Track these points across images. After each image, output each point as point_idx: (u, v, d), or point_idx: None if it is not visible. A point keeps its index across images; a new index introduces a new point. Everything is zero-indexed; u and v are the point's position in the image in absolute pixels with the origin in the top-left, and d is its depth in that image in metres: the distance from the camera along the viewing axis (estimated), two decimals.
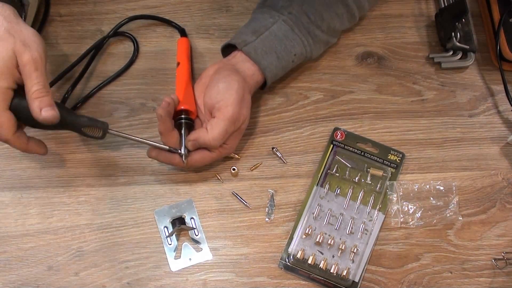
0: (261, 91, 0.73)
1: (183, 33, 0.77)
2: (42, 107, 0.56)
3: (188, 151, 0.65)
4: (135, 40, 0.77)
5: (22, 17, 0.62)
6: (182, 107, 0.65)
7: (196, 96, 0.68)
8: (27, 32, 0.58)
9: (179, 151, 0.64)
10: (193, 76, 0.74)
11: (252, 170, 0.70)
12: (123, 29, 0.77)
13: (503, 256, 0.65)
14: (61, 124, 0.60)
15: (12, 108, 0.57)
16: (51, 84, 0.73)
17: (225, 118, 0.62)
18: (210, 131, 0.63)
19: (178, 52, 0.74)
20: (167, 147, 0.64)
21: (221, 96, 0.63)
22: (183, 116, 0.65)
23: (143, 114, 0.73)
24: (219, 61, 0.69)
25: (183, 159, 0.64)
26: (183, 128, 0.65)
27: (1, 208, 0.67)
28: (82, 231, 0.66)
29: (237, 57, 0.68)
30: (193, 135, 0.64)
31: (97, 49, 0.76)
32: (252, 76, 0.67)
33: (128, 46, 0.77)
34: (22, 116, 0.58)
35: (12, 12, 0.59)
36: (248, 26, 0.69)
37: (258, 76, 0.67)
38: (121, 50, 0.77)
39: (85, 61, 0.75)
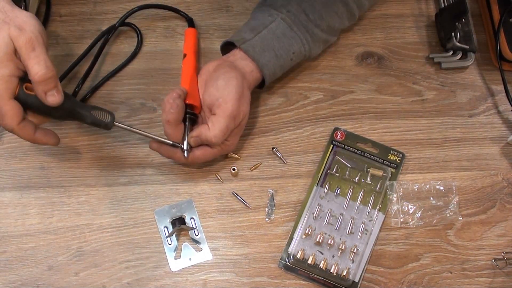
0: (261, 91, 0.73)
1: (191, 23, 0.77)
2: (47, 91, 0.55)
3: (190, 147, 0.65)
4: (139, 31, 0.77)
5: (22, 6, 0.60)
6: (187, 102, 0.65)
7: None
8: (22, 16, 0.55)
9: (182, 146, 0.64)
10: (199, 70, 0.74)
11: (252, 170, 0.70)
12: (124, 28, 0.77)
13: (503, 256, 0.65)
14: (71, 113, 0.59)
15: (21, 98, 0.55)
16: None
17: (225, 115, 0.62)
18: (212, 128, 0.63)
19: (185, 43, 0.74)
20: (171, 142, 0.64)
21: (220, 93, 0.63)
22: (188, 110, 0.65)
23: (143, 114, 0.73)
24: (218, 59, 0.69)
25: (185, 154, 0.64)
26: (187, 123, 0.65)
27: (1, 208, 0.67)
28: (82, 231, 0.66)
29: (236, 55, 0.68)
30: (196, 131, 0.64)
31: (105, 40, 0.76)
32: (251, 73, 0.67)
33: (129, 46, 0.77)
34: (31, 106, 0.56)
35: (7, 2, 0.57)
36: (247, 25, 0.69)
37: (256, 73, 0.68)
38: (122, 50, 0.77)
39: (89, 58, 0.75)
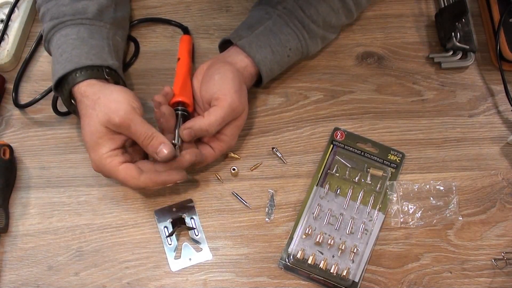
0: (260, 91, 0.73)
1: (186, 31, 0.77)
2: (155, 150, 0.60)
3: (182, 142, 0.63)
4: (137, 42, 0.77)
5: (120, 80, 0.66)
6: (179, 99, 0.65)
7: (194, 92, 0.67)
8: (108, 98, 0.61)
9: (173, 141, 0.63)
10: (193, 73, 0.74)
11: (252, 170, 0.70)
12: None
13: (503, 256, 0.65)
14: None
15: None
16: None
17: (224, 106, 0.62)
18: (207, 117, 0.62)
19: (179, 48, 0.74)
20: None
21: (218, 86, 0.63)
22: (179, 107, 0.65)
23: (143, 114, 0.73)
24: (211, 58, 0.69)
25: (176, 149, 0.63)
26: (178, 119, 0.65)
27: None
28: (82, 231, 0.66)
29: (231, 51, 0.68)
30: (188, 123, 0.63)
31: None
32: (245, 67, 0.67)
33: (129, 46, 0.77)
34: None
35: (90, 87, 0.62)
36: (244, 23, 0.70)
37: (251, 68, 0.67)
38: None
39: None
